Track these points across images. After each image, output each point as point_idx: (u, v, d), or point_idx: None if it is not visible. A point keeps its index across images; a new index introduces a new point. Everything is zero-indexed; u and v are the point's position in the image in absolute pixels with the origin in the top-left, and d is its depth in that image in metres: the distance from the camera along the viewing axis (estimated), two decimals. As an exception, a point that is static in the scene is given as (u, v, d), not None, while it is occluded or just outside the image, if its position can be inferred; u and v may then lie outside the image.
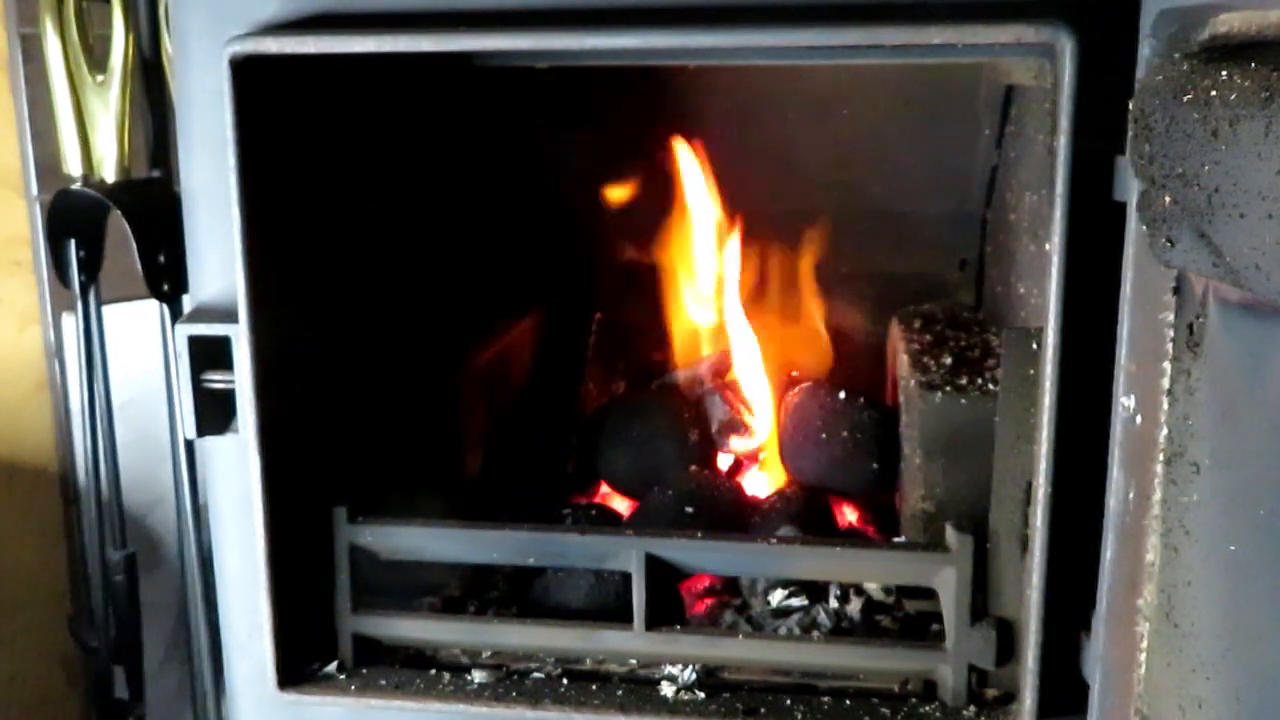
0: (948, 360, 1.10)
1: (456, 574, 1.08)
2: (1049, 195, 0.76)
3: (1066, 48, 0.73)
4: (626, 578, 0.93)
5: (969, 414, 0.99)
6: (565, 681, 0.94)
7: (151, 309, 1.38)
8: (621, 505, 1.23)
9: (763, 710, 0.90)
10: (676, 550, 0.93)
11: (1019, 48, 0.76)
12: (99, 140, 1.26)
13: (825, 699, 0.91)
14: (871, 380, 1.33)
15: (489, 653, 0.98)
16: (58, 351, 1.45)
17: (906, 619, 1.02)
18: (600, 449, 1.26)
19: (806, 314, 1.40)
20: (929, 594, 0.95)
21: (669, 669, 0.94)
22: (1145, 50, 0.65)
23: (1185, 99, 0.55)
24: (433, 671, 0.96)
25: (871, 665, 0.93)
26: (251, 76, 0.83)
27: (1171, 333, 0.65)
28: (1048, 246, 0.76)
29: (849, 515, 1.22)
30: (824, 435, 1.18)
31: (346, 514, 0.95)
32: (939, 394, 1.02)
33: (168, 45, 1.28)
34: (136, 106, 1.29)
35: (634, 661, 0.95)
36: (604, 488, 1.28)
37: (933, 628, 0.99)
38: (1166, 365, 0.65)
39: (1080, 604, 0.78)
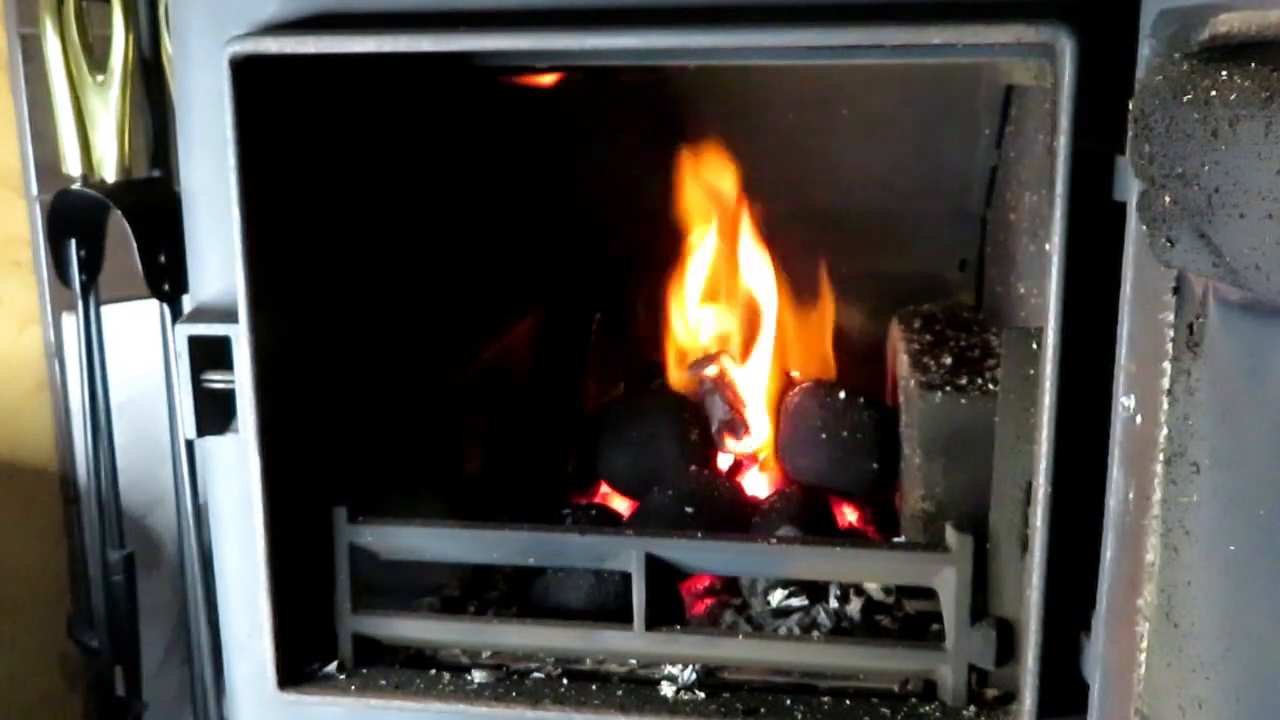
0: (948, 360, 1.10)
1: (456, 574, 1.08)
2: (1049, 195, 0.76)
3: (1066, 48, 0.73)
4: (626, 578, 0.93)
5: (969, 414, 0.99)
6: (565, 681, 0.94)
7: (151, 309, 1.38)
8: (621, 505, 1.23)
9: (763, 710, 0.90)
10: (676, 550, 0.93)
11: (1019, 48, 0.76)
12: (99, 140, 1.26)
13: (825, 699, 0.91)
14: (871, 380, 1.33)
15: (489, 653, 0.98)
16: (58, 351, 1.45)
17: (906, 619, 1.02)
18: (600, 449, 1.26)
19: (807, 314, 1.40)
20: (929, 594, 0.95)
21: (669, 669, 0.94)
22: (1145, 50, 0.65)
23: (1185, 99, 0.55)
24: (433, 671, 0.96)
25: (871, 665, 0.93)
26: (251, 76, 0.83)
27: (1171, 333, 0.65)
28: (1048, 246, 0.76)
29: (849, 515, 1.22)
30: (824, 435, 1.18)
31: (346, 514, 0.95)
32: (939, 394, 1.02)
33: (168, 45, 1.28)
34: (136, 106, 1.29)
35: (634, 661, 0.95)
36: (604, 488, 1.28)
37: (933, 628, 0.99)
38: (1166, 365, 0.65)
39: (1080, 604, 0.78)
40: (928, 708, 0.90)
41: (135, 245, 1.22)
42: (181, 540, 1.35)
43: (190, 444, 1.31)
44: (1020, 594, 0.84)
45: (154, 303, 1.33)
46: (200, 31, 0.86)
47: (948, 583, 0.89)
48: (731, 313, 1.37)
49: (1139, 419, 0.69)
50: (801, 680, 0.94)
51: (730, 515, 1.14)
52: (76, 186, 1.26)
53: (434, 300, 1.23)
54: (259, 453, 0.88)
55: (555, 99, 1.33)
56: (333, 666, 0.96)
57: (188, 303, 1.01)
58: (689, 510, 1.11)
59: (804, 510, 1.13)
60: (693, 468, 1.21)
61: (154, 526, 1.52)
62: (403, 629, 0.97)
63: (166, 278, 1.25)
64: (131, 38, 1.26)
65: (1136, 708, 0.70)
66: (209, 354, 0.89)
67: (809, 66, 1.24)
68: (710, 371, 1.31)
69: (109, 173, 1.27)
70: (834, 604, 1.02)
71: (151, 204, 1.23)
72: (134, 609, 1.38)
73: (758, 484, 1.26)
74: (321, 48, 0.81)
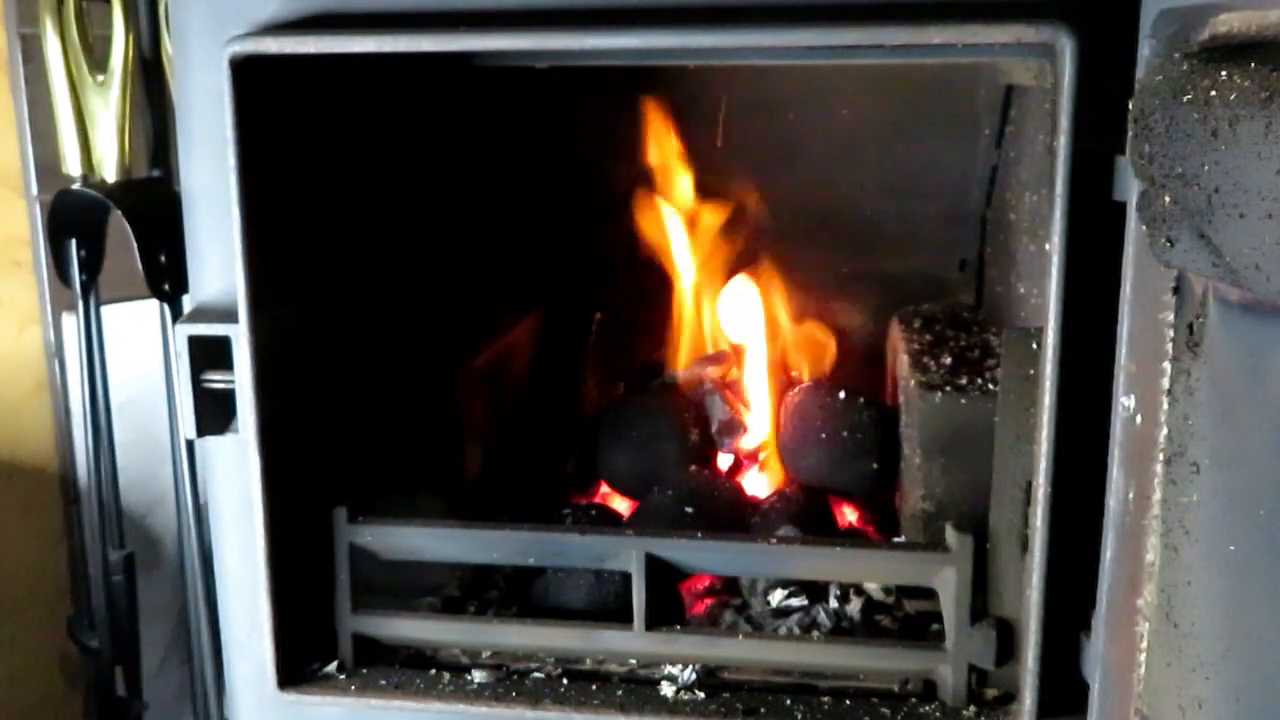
0: (948, 360, 1.10)
1: (456, 574, 1.08)
2: (1049, 195, 0.76)
3: (1066, 48, 0.73)
4: (626, 578, 0.93)
5: (969, 414, 0.99)
6: (565, 681, 0.94)
7: (151, 309, 1.38)
8: (621, 505, 1.23)
9: (763, 710, 0.90)
10: (676, 550, 0.93)
11: (1019, 48, 0.76)
12: (99, 140, 1.26)
13: (825, 699, 0.91)
14: (871, 380, 1.33)
15: (489, 653, 0.98)
16: (58, 351, 1.45)
17: (906, 619, 1.02)
18: (600, 449, 1.26)
19: (807, 314, 1.40)
20: (929, 594, 0.95)
21: (669, 669, 0.94)
22: (1145, 50, 0.65)
23: (1185, 99, 0.55)
24: (433, 671, 0.96)
25: (871, 665, 0.93)
26: (251, 76, 0.83)
27: (1171, 333, 0.65)
28: (1048, 246, 0.76)
29: (849, 515, 1.22)
30: (824, 435, 1.18)
31: (346, 514, 0.95)
32: (939, 394, 1.02)
33: (168, 45, 1.28)
34: (136, 106, 1.29)
35: (634, 661, 0.95)
36: (604, 488, 1.28)
37: (933, 628, 0.99)
38: (1166, 365, 0.65)
39: (1080, 604, 0.78)
40: (928, 708, 0.90)
41: (135, 245, 1.21)
42: (181, 540, 1.35)
43: (190, 444, 1.31)
44: (1020, 594, 0.84)
45: (154, 303, 1.33)
46: (200, 31, 0.86)
47: (948, 583, 0.89)
48: (731, 313, 1.37)
49: (1139, 419, 0.69)
50: (801, 680, 0.94)
51: (730, 515, 1.14)
52: (76, 186, 1.26)
53: (434, 300, 1.23)
54: (259, 453, 0.88)
55: (555, 98, 1.33)
56: (333, 666, 0.96)
57: (188, 303, 1.01)
58: (689, 510, 1.11)
59: (804, 510, 1.13)
60: (693, 468, 1.21)
61: (154, 526, 1.52)
62: (403, 629, 0.97)
63: (166, 278, 1.25)
64: (131, 38, 1.26)
65: (1136, 708, 0.70)
66: (209, 354, 0.89)
67: (809, 66, 1.24)
68: (711, 371, 1.31)
69: (109, 173, 1.27)
70: (834, 604, 1.02)
71: (151, 204, 1.23)
72: (134, 609, 1.38)
73: (758, 484, 1.26)
74: (321, 48, 0.81)
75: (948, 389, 1.02)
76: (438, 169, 1.27)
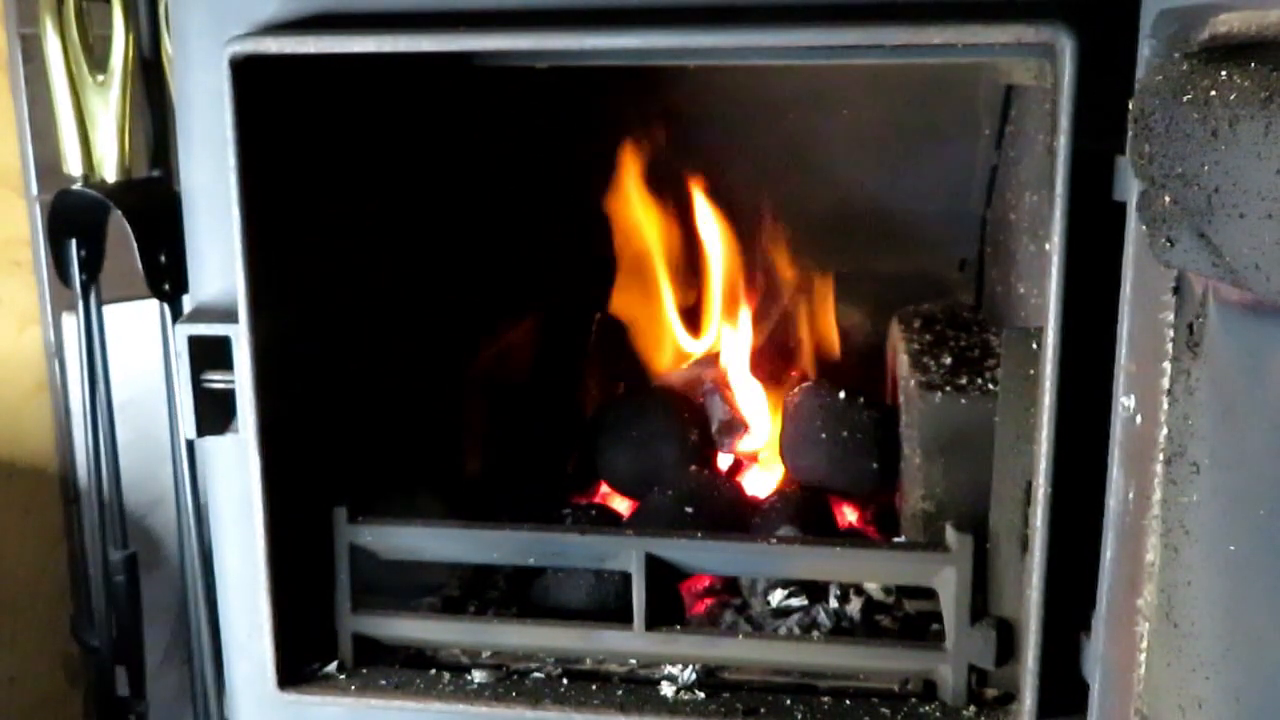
0: (948, 360, 1.10)
1: (456, 574, 1.08)
2: (1049, 195, 0.76)
3: (1066, 48, 0.73)
4: (626, 578, 0.93)
5: (969, 414, 0.99)
6: (565, 681, 0.94)
7: (152, 309, 1.38)
8: (621, 505, 1.23)
9: (763, 710, 0.90)
10: (676, 550, 0.93)
11: (1019, 48, 0.76)
12: (99, 140, 1.26)
13: (825, 699, 0.91)
14: (871, 380, 1.33)
15: (489, 653, 0.98)
16: (58, 351, 1.45)
17: (906, 619, 1.02)
18: (600, 449, 1.26)
19: (807, 314, 1.40)
20: (929, 594, 0.95)
21: (669, 669, 0.94)
22: (1145, 50, 0.65)
23: (1185, 99, 0.55)
24: (433, 671, 0.96)
25: (871, 665, 0.93)
26: (251, 76, 0.83)
27: (1171, 333, 0.65)
28: (1048, 246, 0.76)
29: (849, 515, 1.22)
30: (824, 435, 1.18)
31: (346, 514, 0.95)
32: (939, 394, 1.02)
33: (168, 45, 1.28)
34: (136, 106, 1.29)
35: (634, 661, 0.95)
36: (604, 488, 1.28)
37: (933, 628, 0.99)
38: (1166, 365, 0.65)
39: (1080, 604, 0.78)
40: (928, 708, 0.90)
41: (135, 245, 1.21)
42: (181, 540, 1.35)
43: (190, 444, 1.31)
44: (1020, 594, 0.84)
45: (154, 303, 1.33)
46: (200, 31, 0.86)
47: (948, 583, 0.89)
48: (731, 312, 1.37)
49: (1139, 419, 0.69)
50: (801, 680, 0.94)
51: (730, 515, 1.14)
52: (77, 186, 1.26)
53: (434, 300, 1.23)
54: (259, 453, 0.88)
55: (555, 98, 1.33)
56: (333, 666, 0.96)
57: (188, 303, 1.01)
58: (689, 510, 1.10)
59: (804, 510, 1.13)
60: (693, 468, 1.21)
61: (154, 526, 1.52)
62: (403, 629, 0.97)
63: (166, 278, 1.25)
64: (131, 38, 1.26)
65: (1136, 708, 0.70)
66: (209, 354, 0.89)
67: (809, 66, 1.24)
68: (710, 371, 1.31)
69: (109, 173, 1.27)
70: (834, 604, 1.02)
71: (151, 204, 1.23)
72: (138, 609, 1.38)
73: (758, 484, 1.26)
74: (321, 48, 0.81)
75: (948, 389, 1.02)
76: (438, 169, 1.27)
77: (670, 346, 1.38)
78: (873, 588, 1.03)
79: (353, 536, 0.95)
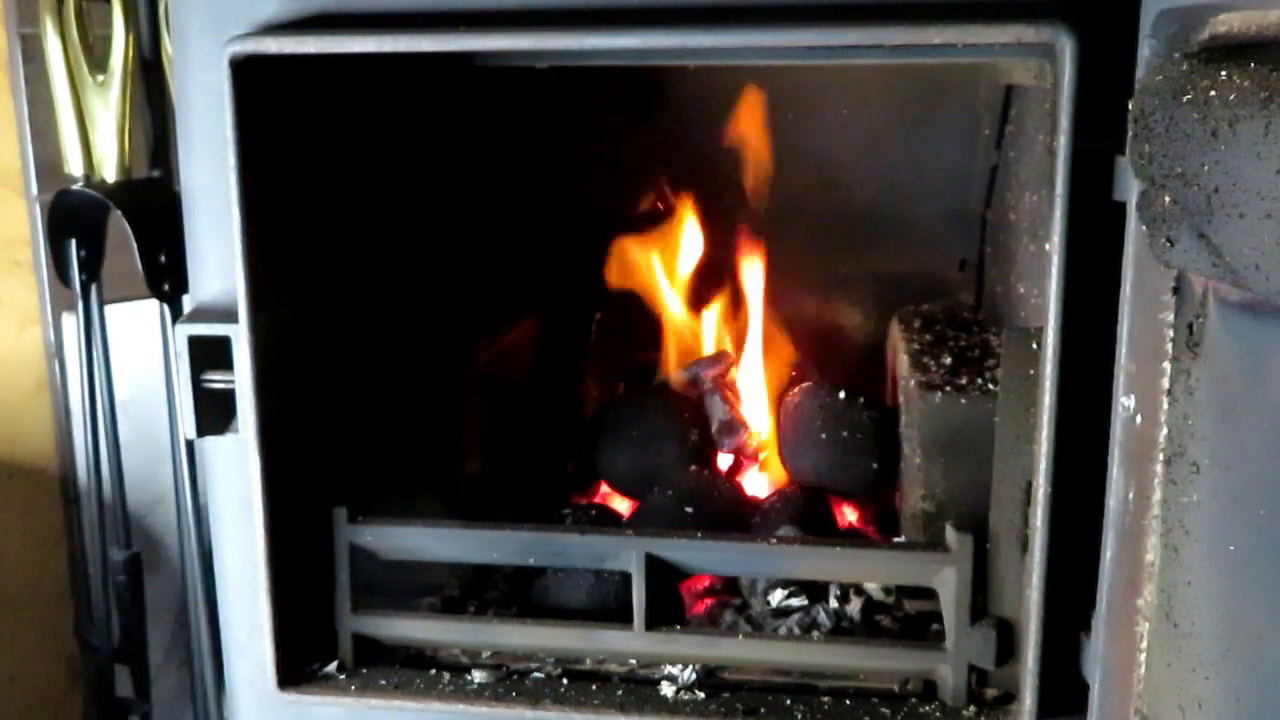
0: (948, 360, 1.10)
1: (456, 574, 1.08)
2: (1049, 195, 0.76)
3: (1066, 48, 0.73)
4: (626, 578, 0.93)
5: (969, 414, 0.99)
6: (565, 681, 0.94)
7: (152, 309, 1.38)
8: (621, 505, 1.23)
9: (763, 710, 0.90)
10: (676, 550, 0.93)
11: (1019, 48, 0.76)
12: (99, 140, 1.26)
13: (825, 699, 0.91)
14: (871, 380, 1.33)
15: (489, 653, 0.98)
16: (58, 351, 1.45)
17: (906, 619, 1.01)
18: (600, 449, 1.26)
19: (807, 314, 1.40)
20: (929, 594, 0.95)
21: (669, 669, 0.94)
22: (1145, 50, 0.65)
23: (1185, 99, 0.55)
24: (433, 671, 0.96)
25: (871, 665, 0.93)
26: (251, 76, 0.83)
27: (1171, 333, 0.65)
28: (1048, 246, 0.76)
29: (849, 515, 1.22)
30: (824, 435, 1.18)
31: (346, 514, 0.95)
32: (939, 394, 1.02)
33: (168, 45, 1.28)
34: (136, 106, 1.29)
35: (634, 661, 0.95)
36: (604, 488, 1.28)
37: (933, 628, 0.99)
38: (1166, 365, 0.65)
39: (1080, 604, 0.78)
40: (928, 708, 0.90)
41: (135, 245, 1.22)
42: (181, 540, 1.35)
43: (190, 444, 1.31)
44: (1020, 594, 0.84)
45: (154, 303, 1.33)
46: (200, 31, 0.86)
47: (948, 583, 0.89)
48: (731, 313, 1.37)
49: (1139, 419, 0.69)
50: (801, 680, 0.94)
51: (730, 515, 1.14)
52: (77, 186, 1.26)
53: (434, 300, 1.23)
54: (259, 453, 0.88)
55: (555, 98, 1.33)
56: (333, 666, 0.96)
57: (188, 303, 1.01)
58: (689, 510, 1.10)
59: (804, 510, 1.13)
60: (693, 468, 1.21)
61: (154, 526, 1.52)
62: (403, 629, 0.97)
63: (166, 278, 1.25)
64: (131, 38, 1.26)
65: (1136, 708, 0.70)
66: (209, 354, 0.89)
67: (809, 66, 1.24)
68: (710, 371, 1.31)
69: (109, 173, 1.27)
70: (834, 604, 1.02)
71: (151, 204, 1.23)
72: (142, 610, 1.38)
73: (758, 484, 1.26)
74: (321, 48, 0.81)
75: (948, 389, 1.02)
76: (438, 169, 1.27)
77: (670, 347, 1.38)
78: (873, 588, 1.03)
79: (353, 536, 0.95)
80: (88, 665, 1.48)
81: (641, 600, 0.92)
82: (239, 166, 0.84)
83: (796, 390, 1.27)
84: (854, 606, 1.02)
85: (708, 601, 1.06)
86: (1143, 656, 0.69)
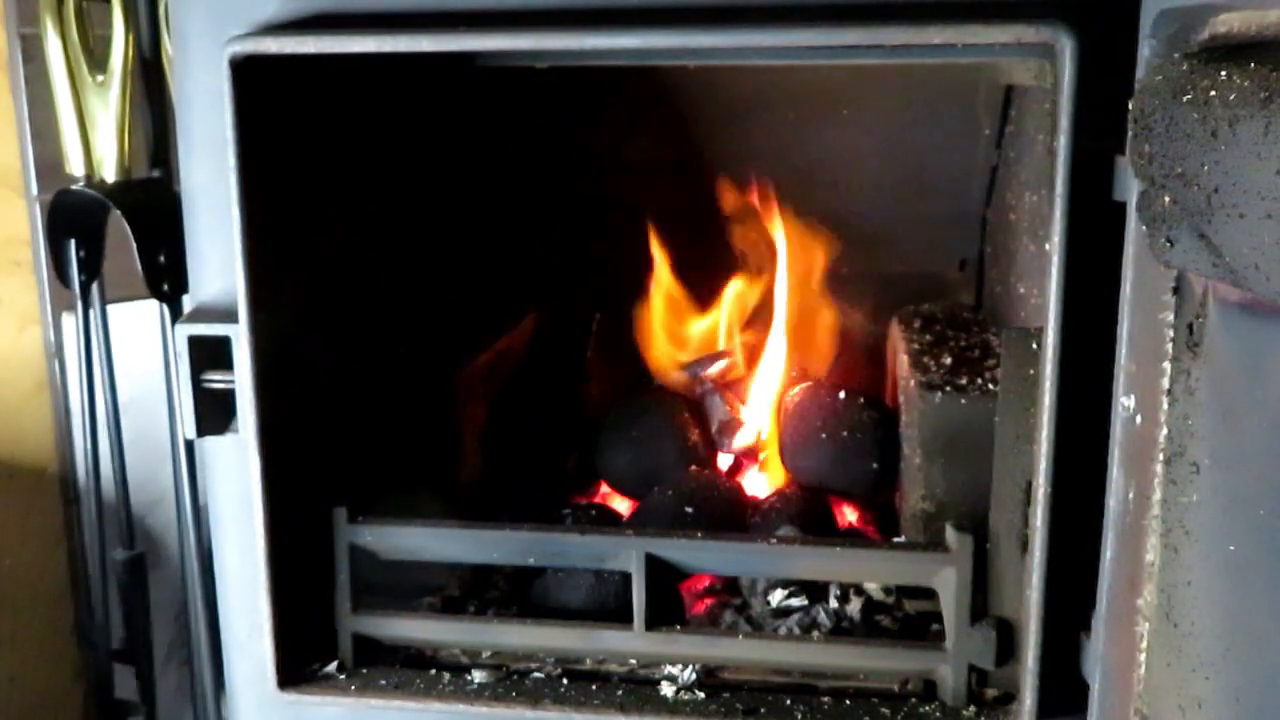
0: (948, 360, 1.10)
1: (456, 574, 1.08)
2: (1049, 195, 0.76)
3: (1066, 48, 0.73)
4: (626, 578, 0.93)
5: (969, 414, 0.99)
6: (565, 681, 0.94)
7: (152, 309, 1.38)
8: (621, 505, 1.23)
9: (763, 710, 0.90)
10: (676, 550, 0.93)
11: (1019, 48, 0.76)
12: (99, 140, 1.26)
13: (825, 699, 0.91)
14: (871, 380, 1.33)
15: (489, 653, 0.98)
16: (58, 351, 1.45)
17: (906, 619, 1.01)
18: (600, 449, 1.26)
19: (807, 314, 1.39)
20: (929, 594, 0.95)
21: (669, 669, 0.94)
22: (1145, 50, 0.65)
23: (1185, 99, 0.55)
24: (433, 671, 0.96)
25: (871, 665, 0.93)
26: (251, 76, 0.83)
27: (1171, 333, 0.65)
28: (1048, 246, 0.76)
29: (849, 515, 1.22)
30: (824, 435, 1.18)
31: (346, 514, 0.95)
32: (939, 394, 1.02)
33: (168, 45, 1.28)
34: (136, 106, 1.29)
35: (634, 661, 0.95)
36: (604, 488, 1.28)
37: (933, 628, 0.99)
38: (1166, 365, 0.65)
39: (1080, 604, 0.78)
40: (928, 708, 0.90)
41: (135, 245, 1.22)
42: (181, 540, 1.36)
43: (190, 444, 1.31)
44: (1020, 594, 0.84)
45: (154, 303, 1.33)
46: (200, 31, 0.86)
47: (948, 583, 0.89)
48: (731, 313, 1.37)
49: (1139, 419, 0.69)
50: (801, 680, 0.94)
51: (730, 515, 1.14)
52: (77, 186, 1.26)
53: (434, 300, 1.23)
54: (259, 453, 0.88)
55: (555, 98, 1.33)
56: (333, 666, 0.96)
57: (188, 303, 1.01)
58: (689, 510, 1.10)
59: (804, 510, 1.13)
60: (693, 468, 1.21)
61: (154, 526, 1.52)
62: (403, 629, 0.97)
63: (166, 278, 1.25)
64: (131, 38, 1.26)
65: (1136, 708, 0.70)
66: (209, 354, 0.89)
67: (809, 66, 1.24)
68: (710, 371, 1.31)
69: (109, 173, 1.27)
70: (834, 604, 1.02)
71: (151, 204, 1.23)
72: (147, 610, 1.38)
73: (758, 484, 1.26)
74: (321, 48, 0.81)
75: (948, 389, 1.02)
76: (438, 169, 1.27)
77: (671, 347, 1.38)
78: (873, 588, 1.03)
79: (353, 536, 0.95)
80: (88, 665, 1.48)
81: (641, 600, 0.92)
82: (239, 166, 0.84)
83: (796, 390, 1.27)
84: (854, 606, 1.02)
85: (708, 601, 1.06)
86: (1143, 656, 0.69)
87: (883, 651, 0.93)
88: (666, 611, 0.98)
